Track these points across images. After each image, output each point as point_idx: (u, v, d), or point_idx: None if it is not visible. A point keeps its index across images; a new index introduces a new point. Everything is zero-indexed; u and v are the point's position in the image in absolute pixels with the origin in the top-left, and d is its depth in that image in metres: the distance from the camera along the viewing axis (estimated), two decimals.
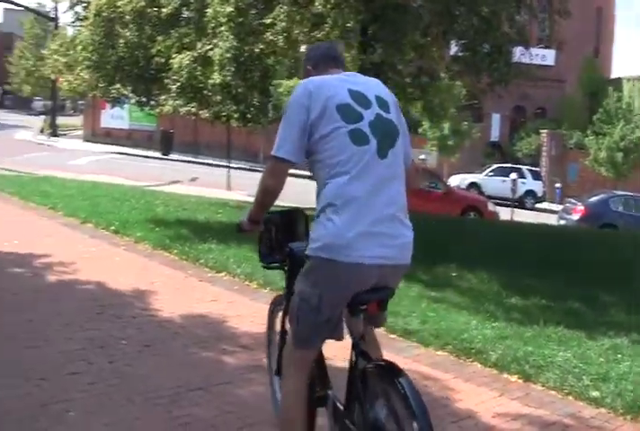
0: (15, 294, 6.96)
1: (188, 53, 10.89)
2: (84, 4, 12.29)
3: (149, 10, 11.34)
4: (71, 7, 12.61)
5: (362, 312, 3.27)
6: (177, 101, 11.80)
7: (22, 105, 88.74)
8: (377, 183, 3.20)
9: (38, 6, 60.37)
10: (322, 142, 3.22)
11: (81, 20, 12.37)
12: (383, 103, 3.37)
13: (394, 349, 5.74)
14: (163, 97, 12.11)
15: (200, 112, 12.34)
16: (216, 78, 10.46)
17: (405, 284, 8.52)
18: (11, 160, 23.68)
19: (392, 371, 3.10)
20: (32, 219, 11.26)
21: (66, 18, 57.40)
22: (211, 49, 10.53)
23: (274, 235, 3.97)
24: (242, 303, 7.16)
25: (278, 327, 4.16)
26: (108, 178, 20.08)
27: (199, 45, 10.88)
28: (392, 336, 6.26)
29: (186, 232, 10.83)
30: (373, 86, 3.47)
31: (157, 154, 33.52)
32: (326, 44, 4.33)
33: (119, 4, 11.42)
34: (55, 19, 45.05)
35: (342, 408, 3.42)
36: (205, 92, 11.22)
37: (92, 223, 11.00)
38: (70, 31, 14.58)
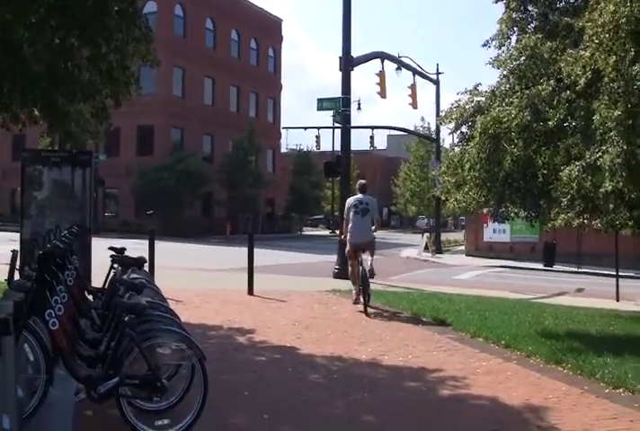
0: (414, 410, 7.21)
1: (577, 163, 10.73)
2: (469, 124, 12.77)
3: (535, 124, 11.46)
4: (456, 128, 13.16)
5: (360, 253, 15.01)
6: (569, 214, 11.60)
7: (406, 224, 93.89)
8: (361, 224, 15.09)
9: (420, 129, 64.05)
10: (349, 213, 15.26)
11: (467, 139, 12.83)
12: (367, 203, 15.19)
13: None
14: (554, 211, 11.98)
15: (593, 223, 12.01)
16: (607, 186, 10.15)
17: None
18: (399, 277, 24.80)
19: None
20: (423, 334, 11.64)
21: (448, 138, 60.27)
22: (600, 157, 10.30)
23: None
24: None
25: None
26: (492, 291, 20.22)
27: (587, 153, 10.69)
28: None
29: (578, 345, 10.53)
30: (365, 198, 15.31)
31: (539, 266, 33.21)
32: (361, 182, 16.13)
33: (504, 120, 11.68)
34: (437, 140, 47.35)
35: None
36: (596, 201, 10.93)
37: (481, 337, 11.08)
38: (450, 150, 15.21)
